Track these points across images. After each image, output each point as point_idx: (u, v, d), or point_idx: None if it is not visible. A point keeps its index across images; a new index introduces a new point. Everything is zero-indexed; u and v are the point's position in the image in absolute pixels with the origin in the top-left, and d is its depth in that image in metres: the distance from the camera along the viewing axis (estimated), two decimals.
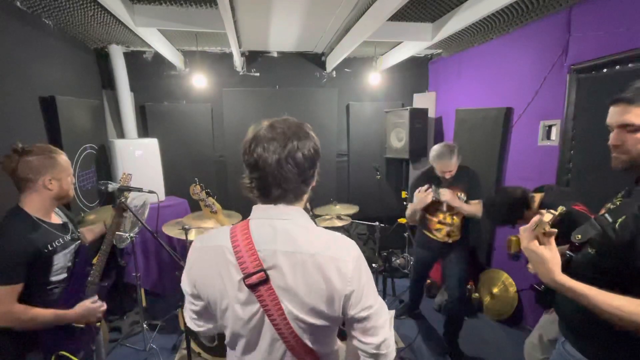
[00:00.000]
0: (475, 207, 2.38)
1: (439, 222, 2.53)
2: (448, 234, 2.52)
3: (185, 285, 0.92)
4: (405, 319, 3.14)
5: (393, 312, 0.91)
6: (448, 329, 2.69)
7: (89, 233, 1.82)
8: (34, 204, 1.42)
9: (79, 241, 1.61)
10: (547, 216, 0.98)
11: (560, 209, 0.99)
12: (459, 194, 2.43)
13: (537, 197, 1.84)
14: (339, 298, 0.82)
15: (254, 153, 0.82)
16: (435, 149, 2.42)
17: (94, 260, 1.66)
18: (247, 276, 0.81)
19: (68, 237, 1.53)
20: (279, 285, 0.82)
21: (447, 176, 2.39)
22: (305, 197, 0.92)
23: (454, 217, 2.50)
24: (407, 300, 3.22)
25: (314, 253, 0.81)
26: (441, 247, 2.58)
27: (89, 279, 1.59)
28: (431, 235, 2.60)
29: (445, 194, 2.37)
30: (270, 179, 0.83)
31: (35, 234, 1.37)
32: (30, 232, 1.36)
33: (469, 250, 2.64)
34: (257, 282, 0.81)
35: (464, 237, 2.56)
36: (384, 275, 2.76)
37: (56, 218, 1.55)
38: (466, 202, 2.43)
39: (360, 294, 0.84)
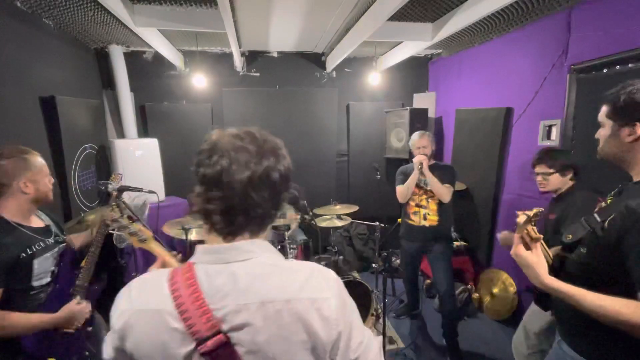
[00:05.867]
0: (444, 188, 2.53)
1: (416, 205, 2.69)
2: (424, 217, 2.65)
3: (112, 353, 0.68)
4: (405, 319, 3.15)
5: (380, 338, 0.80)
6: (446, 327, 2.70)
7: (76, 239, 1.75)
8: (11, 208, 1.37)
9: (64, 244, 1.56)
10: (522, 217, 1.02)
11: (535, 210, 1.02)
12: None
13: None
14: (325, 346, 0.67)
15: (217, 165, 0.66)
16: (412, 135, 2.71)
17: (83, 264, 1.59)
18: (200, 342, 0.63)
19: (50, 240, 1.48)
20: (248, 350, 0.65)
21: (421, 152, 2.58)
22: (270, 226, 0.77)
23: (429, 200, 2.65)
24: (407, 300, 3.23)
25: (289, 298, 0.66)
26: (422, 234, 2.66)
27: (77, 282, 1.52)
28: (410, 222, 2.73)
29: (420, 157, 2.55)
30: (236, 201, 0.66)
31: (10, 238, 1.33)
32: (5, 237, 1.32)
33: (452, 249, 2.76)
34: (214, 348, 0.63)
35: (443, 227, 2.64)
36: (383, 275, 2.78)
37: (37, 221, 1.50)
38: None
39: (348, 334, 0.70)
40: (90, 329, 1.59)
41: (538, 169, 2.03)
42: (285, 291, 0.66)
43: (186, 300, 0.64)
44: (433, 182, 2.53)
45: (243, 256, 0.69)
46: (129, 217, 1.32)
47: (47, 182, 1.47)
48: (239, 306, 0.65)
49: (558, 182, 1.96)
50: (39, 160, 1.45)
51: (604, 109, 1.11)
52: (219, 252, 0.69)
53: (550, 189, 2.00)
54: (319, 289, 0.69)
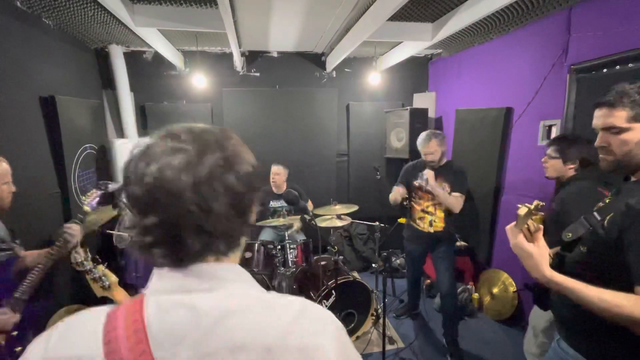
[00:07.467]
0: (453, 199, 2.48)
1: (422, 211, 2.66)
2: (430, 224, 2.62)
3: None
4: (405, 319, 3.15)
5: None
6: (446, 327, 2.70)
7: (31, 255, 1.65)
8: None
9: (9, 252, 1.53)
10: (522, 210, 1.01)
11: (536, 202, 1.01)
12: (442, 184, 2.54)
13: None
14: None
15: (145, 178, 0.48)
16: (419, 136, 2.62)
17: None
18: None
19: None
20: None
21: (429, 158, 2.53)
22: (243, 242, 0.58)
23: (437, 208, 2.60)
24: (407, 300, 3.23)
25: (269, 345, 0.47)
26: (427, 239, 2.66)
27: (15, 294, 1.43)
28: (415, 226, 2.71)
29: (428, 173, 2.51)
30: (182, 219, 0.48)
31: None
32: None
33: (455, 249, 2.72)
34: None
35: (449, 232, 2.60)
36: (383, 275, 2.78)
37: None
38: (449, 194, 2.51)
39: None
40: (19, 348, 1.44)
41: (548, 151, 2.00)
42: (265, 334, 0.48)
43: (122, 345, 0.46)
44: (441, 196, 2.46)
45: (208, 284, 0.51)
46: (94, 260, 1.21)
47: (4, 189, 1.45)
48: (199, 356, 0.46)
49: (556, 168, 1.92)
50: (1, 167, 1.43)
51: (625, 113, 1.03)
52: (175, 277, 0.51)
53: (548, 175, 1.99)
54: (312, 332, 0.50)
